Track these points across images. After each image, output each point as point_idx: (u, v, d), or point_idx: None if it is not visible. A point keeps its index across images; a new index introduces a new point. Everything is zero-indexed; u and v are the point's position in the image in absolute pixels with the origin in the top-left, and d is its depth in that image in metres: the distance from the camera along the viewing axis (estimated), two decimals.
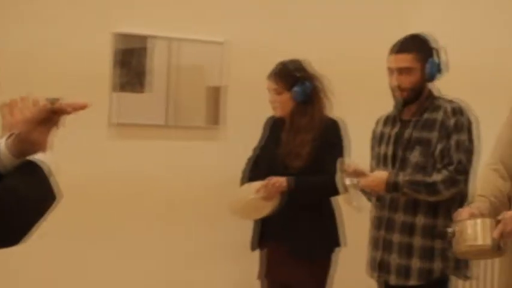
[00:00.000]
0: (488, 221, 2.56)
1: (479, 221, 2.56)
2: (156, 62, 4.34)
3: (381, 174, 3.28)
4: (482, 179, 2.98)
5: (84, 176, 4.15)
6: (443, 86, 3.51)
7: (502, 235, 2.51)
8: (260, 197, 3.61)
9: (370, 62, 4.63)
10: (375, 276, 3.42)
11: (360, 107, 4.42)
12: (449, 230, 2.62)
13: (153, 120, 4.33)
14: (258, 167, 3.85)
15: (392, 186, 3.20)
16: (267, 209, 3.62)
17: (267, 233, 3.73)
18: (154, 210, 4.41)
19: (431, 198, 3.20)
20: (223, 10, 4.38)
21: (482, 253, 2.68)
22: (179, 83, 4.33)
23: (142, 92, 4.29)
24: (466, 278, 3.41)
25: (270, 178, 3.61)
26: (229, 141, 4.51)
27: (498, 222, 2.54)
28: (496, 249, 2.53)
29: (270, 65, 3.82)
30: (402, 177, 3.20)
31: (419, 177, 3.21)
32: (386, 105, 3.53)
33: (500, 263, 3.03)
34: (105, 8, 4.10)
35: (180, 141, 4.45)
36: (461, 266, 3.29)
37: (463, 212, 2.66)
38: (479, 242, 2.55)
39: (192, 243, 4.48)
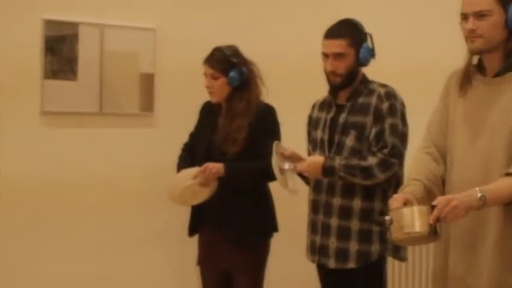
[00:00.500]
0: (424, 208, 2.61)
1: (415, 208, 2.60)
2: (88, 49, 4.31)
3: (317, 159, 3.30)
4: (415, 162, 3.01)
5: (17, 166, 4.11)
6: (373, 74, 3.58)
7: (437, 220, 2.56)
8: (197, 183, 3.61)
9: (303, 48, 4.68)
10: (315, 260, 3.45)
11: (294, 92, 4.46)
12: (387, 218, 2.66)
13: (86, 108, 4.30)
14: (195, 153, 3.85)
15: (328, 170, 3.22)
16: (204, 194, 3.62)
17: (204, 219, 3.73)
18: (89, 199, 4.39)
19: (367, 182, 3.23)
20: None
21: (420, 239, 2.72)
22: (112, 70, 4.31)
23: (74, 79, 4.25)
24: (403, 259, 3.48)
25: (206, 164, 3.61)
26: (163, 128, 4.52)
27: (433, 208, 2.59)
28: (433, 235, 2.59)
29: (203, 52, 3.83)
30: (338, 162, 3.23)
31: (354, 161, 3.25)
32: (322, 90, 3.56)
33: (435, 246, 3.08)
34: None
35: (114, 128, 4.43)
36: (398, 247, 3.34)
37: (398, 199, 2.72)
38: (417, 229, 2.60)
39: (128, 230, 4.50)
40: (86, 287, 4.33)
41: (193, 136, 3.93)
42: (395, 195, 2.76)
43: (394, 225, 2.63)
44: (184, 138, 4.03)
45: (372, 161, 3.21)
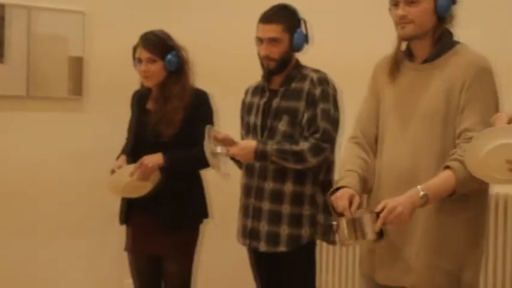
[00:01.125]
0: (367, 216, 2.72)
1: (359, 218, 2.72)
2: (15, 32, 4.30)
3: (250, 143, 3.36)
4: (346, 152, 3.09)
5: None
6: (307, 60, 3.63)
7: (383, 225, 2.65)
8: (136, 179, 3.65)
9: (236, 32, 4.73)
10: (246, 244, 3.52)
11: (227, 77, 4.56)
12: (333, 223, 2.76)
13: (14, 91, 4.32)
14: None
15: (260, 154, 3.29)
16: (147, 187, 3.68)
17: (135, 205, 3.76)
18: (18, 183, 4.39)
19: (299, 166, 3.31)
20: None
21: (367, 242, 2.89)
22: (40, 53, 4.33)
23: (1, 62, 4.27)
24: (333, 243, 3.55)
25: (142, 159, 3.65)
26: (91, 112, 4.58)
27: (378, 214, 2.68)
28: (381, 237, 2.70)
29: (132, 37, 3.84)
30: (270, 146, 3.30)
31: (286, 145, 3.32)
32: (255, 75, 3.61)
33: None
34: None
35: (42, 112, 4.47)
36: (328, 231, 3.39)
37: (342, 198, 2.80)
38: (368, 237, 2.73)
39: (58, 215, 4.52)
40: (17, 271, 4.34)
41: (129, 127, 3.95)
42: (338, 195, 2.83)
43: (340, 232, 2.75)
44: (113, 123, 4.09)
45: (303, 145, 3.28)
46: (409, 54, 2.92)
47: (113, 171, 3.74)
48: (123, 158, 3.74)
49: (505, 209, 3.78)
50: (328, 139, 3.37)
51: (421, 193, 2.66)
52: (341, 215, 2.79)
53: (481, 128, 2.60)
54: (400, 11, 2.79)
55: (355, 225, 2.69)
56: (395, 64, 2.98)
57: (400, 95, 2.96)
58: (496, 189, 3.72)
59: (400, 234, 2.80)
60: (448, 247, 2.83)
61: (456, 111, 2.78)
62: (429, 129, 2.85)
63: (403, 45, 2.95)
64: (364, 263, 3.08)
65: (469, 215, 2.81)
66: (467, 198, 2.74)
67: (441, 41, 2.89)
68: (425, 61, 2.86)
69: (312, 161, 3.29)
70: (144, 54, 3.69)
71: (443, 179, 2.69)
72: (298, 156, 3.32)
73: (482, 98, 2.77)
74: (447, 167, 2.65)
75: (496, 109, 2.78)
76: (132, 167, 3.66)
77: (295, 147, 3.34)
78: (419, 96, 2.89)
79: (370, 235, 2.68)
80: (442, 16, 2.86)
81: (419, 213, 2.69)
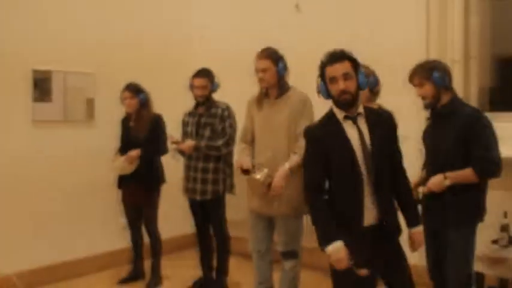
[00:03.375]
0: (265, 170, 4.24)
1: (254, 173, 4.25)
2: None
3: (190, 142, 5.24)
4: (240, 151, 4.60)
5: None
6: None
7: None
8: (126, 163, 5.51)
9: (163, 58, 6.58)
10: (188, 196, 5.40)
11: (168, 103, 5.98)
12: (249, 176, 4.29)
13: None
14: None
15: (197, 148, 5.22)
16: (132, 167, 5.56)
17: (125, 177, 5.63)
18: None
19: (217, 153, 5.19)
20: None
21: (259, 185, 4.29)
22: None
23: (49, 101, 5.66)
24: (234, 193, 5.44)
25: (129, 152, 5.48)
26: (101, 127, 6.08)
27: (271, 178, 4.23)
28: (266, 183, 4.24)
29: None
30: (202, 143, 5.20)
31: (211, 143, 5.19)
32: (188, 102, 5.41)
33: (247, 190, 4.63)
34: None
35: None
36: (231, 188, 5.36)
37: (245, 164, 4.32)
38: (258, 176, 4.22)
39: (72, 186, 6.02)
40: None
41: (121, 137, 5.75)
42: (240, 160, 4.41)
43: (252, 178, 4.26)
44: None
45: (220, 142, 5.18)
46: (267, 94, 4.37)
47: (113, 161, 5.63)
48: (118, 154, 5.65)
49: None
50: (232, 138, 5.20)
51: (287, 166, 4.12)
52: (246, 172, 4.32)
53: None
54: (260, 75, 4.23)
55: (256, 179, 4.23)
56: (260, 100, 4.44)
57: (263, 118, 4.38)
58: None
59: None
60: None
61: (294, 126, 4.22)
62: (281, 137, 4.29)
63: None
64: (252, 213, 4.57)
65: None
66: None
67: (282, 87, 4.31)
68: (276, 98, 4.30)
69: (225, 150, 5.20)
70: (126, 94, 5.60)
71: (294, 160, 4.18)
72: (218, 149, 5.16)
73: (307, 116, 4.26)
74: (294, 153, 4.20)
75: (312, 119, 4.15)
76: (124, 157, 5.55)
77: (215, 144, 5.15)
78: (274, 118, 4.29)
79: (260, 176, 4.22)
80: (282, 75, 4.32)
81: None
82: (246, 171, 4.32)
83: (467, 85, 5.46)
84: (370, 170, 3.37)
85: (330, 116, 3.50)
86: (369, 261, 3.37)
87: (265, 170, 4.24)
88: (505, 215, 4.68)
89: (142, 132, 5.61)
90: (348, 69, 3.37)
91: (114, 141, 5.87)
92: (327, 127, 3.48)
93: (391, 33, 5.61)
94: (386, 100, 4.40)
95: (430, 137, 4.03)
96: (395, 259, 3.50)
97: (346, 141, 3.40)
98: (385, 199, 3.43)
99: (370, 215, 3.40)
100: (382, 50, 5.37)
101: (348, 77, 3.38)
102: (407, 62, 4.07)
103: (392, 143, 3.54)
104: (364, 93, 4.15)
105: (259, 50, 4.48)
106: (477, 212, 3.90)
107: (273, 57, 4.45)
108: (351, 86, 3.37)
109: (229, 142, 5.30)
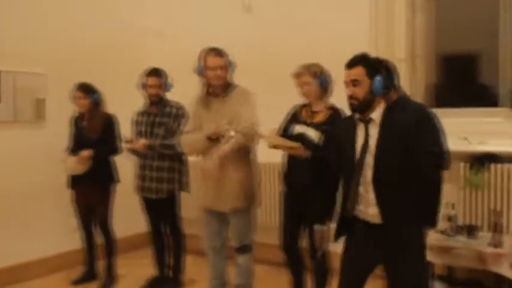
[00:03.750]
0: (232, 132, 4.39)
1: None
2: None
3: (143, 141, 5.34)
4: (188, 138, 4.73)
5: None
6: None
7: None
8: (78, 163, 5.54)
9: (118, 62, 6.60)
10: (142, 195, 5.45)
11: (120, 102, 5.87)
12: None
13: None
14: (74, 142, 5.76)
15: (151, 147, 5.32)
16: (84, 167, 5.58)
17: (76, 177, 5.66)
18: None
19: (172, 152, 5.26)
20: None
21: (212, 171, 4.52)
22: None
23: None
24: (188, 191, 5.47)
25: (81, 152, 5.50)
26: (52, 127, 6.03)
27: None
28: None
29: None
30: (157, 142, 5.29)
31: (164, 141, 5.30)
32: (139, 101, 5.50)
33: (198, 185, 4.84)
34: None
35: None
36: (186, 187, 5.48)
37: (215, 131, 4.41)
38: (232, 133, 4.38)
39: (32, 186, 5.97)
40: None
41: (72, 136, 5.76)
42: (211, 132, 4.45)
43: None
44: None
45: (173, 141, 5.28)
46: (212, 93, 4.55)
47: (64, 161, 5.63)
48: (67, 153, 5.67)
49: None
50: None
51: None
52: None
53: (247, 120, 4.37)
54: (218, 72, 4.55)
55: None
56: (206, 99, 4.63)
57: (212, 116, 4.58)
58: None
59: (219, 183, 4.57)
60: None
61: (238, 116, 4.39)
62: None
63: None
64: (203, 207, 4.77)
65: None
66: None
67: (230, 86, 4.53)
68: (224, 97, 4.51)
69: (179, 149, 5.21)
70: (79, 95, 5.63)
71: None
72: (171, 147, 5.28)
73: (247, 105, 4.46)
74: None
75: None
76: (75, 157, 5.57)
77: (168, 142, 5.27)
78: (223, 116, 4.49)
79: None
80: (231, 73, 4.52)
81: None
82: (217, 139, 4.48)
83: (414, 83, 5.64)
84: (372, 169, 3.42)
85: (352, 114, 3.62)
86: (361, 252, 3.54)
87: (233, 132, 4.39)
88: (453, 206, 4.89)
89: (95, 132, 5.66)
90: (359, 75, 3.44)
91: (66, 142, 5.89)
92: (346, 122, 3.70)
93: (341, 33, 5.71)
94: (338, 100, 4.43)
95: None
96: (399, 258, 3.45)
97: (353, 140, 3.54)
98: (388, 198, 3.43)
99: (370, 212, 3.48)
100: (331, 50, 5.48)
101: (357, 84, 3.46)
102: None
103: (405, 147, 3.35)
104: (315, 91, 4.40)
105: (209, 49, 4.60)
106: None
107: (225, 55, 4.59)
108: (359, 92, 3.45)
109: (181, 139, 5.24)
